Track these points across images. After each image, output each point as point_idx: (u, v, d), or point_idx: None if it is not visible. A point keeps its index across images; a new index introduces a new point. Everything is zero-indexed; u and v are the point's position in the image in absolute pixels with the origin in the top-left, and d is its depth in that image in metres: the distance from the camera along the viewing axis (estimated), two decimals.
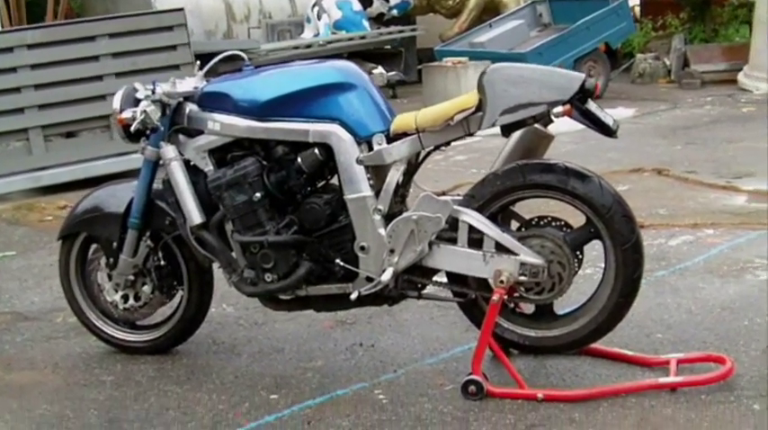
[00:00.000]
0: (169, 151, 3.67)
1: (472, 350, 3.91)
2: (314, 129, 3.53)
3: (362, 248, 3.56)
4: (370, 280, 3.58)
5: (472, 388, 3.46)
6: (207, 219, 3.67)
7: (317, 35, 11.85)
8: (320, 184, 3.69)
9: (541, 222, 3.60)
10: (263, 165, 3.60)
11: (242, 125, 3.58)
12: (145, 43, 7.70)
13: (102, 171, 7.36)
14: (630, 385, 3.49)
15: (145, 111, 3.56)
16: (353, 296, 3.56)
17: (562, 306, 3.74)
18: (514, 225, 3.66)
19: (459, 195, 3.66)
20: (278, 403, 3.53)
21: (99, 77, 7.60)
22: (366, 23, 12.26)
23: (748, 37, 13.20)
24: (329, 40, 9.29)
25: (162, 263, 3.89)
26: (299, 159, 3.56)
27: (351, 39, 9.41)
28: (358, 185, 3.53)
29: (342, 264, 3.58)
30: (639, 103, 10.96)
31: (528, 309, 3.69)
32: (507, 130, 3.51)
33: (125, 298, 3.94)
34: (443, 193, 3.67)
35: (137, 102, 3.72)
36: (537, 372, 3.64)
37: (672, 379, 3.49)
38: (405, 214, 3.52)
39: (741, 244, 5.20)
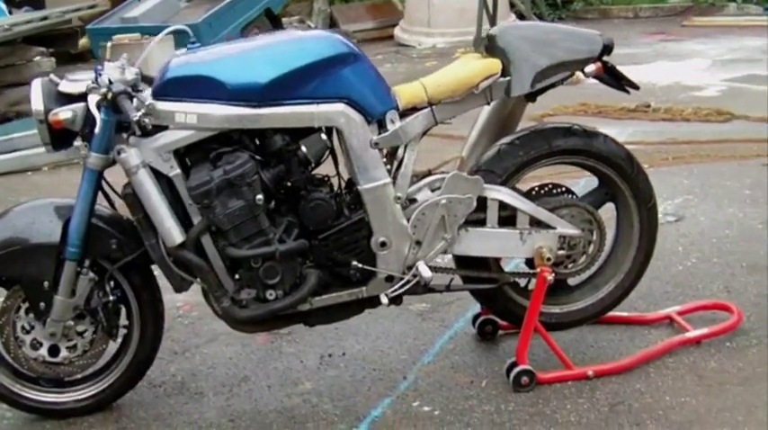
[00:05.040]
0: (133, 156, 2.88)
1: (456, 341, 3.61)
2: (319, 111, 2.95)
3: (383, 244, 3.06)
4: (389, 279, 3.10)
5: (524, 379, 3.15)
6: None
7: None
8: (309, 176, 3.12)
9: (542, 191, 3.35)
10: (257, 160, 2.96)
11: (231, 114, 2.88)
12: None
13: None
14: (663, 346, 3.38)
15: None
16: (384, 300, 3.06)
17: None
18: None
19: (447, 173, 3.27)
20: None
21: None
22: (3, 6, 10.95)
23: None
24: (13, 23, 8.11)
25: (110, 298, 3.08)
26: (304, 148, 2.97)
27: (30, 21, 8.29)
28: (375, 173, 3.02)
29: (359, 265, 3.06)
30: None
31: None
32: (533, 96, 3.19)
33: (54, 350, 3.09)
34: (429, 172, 3.25)
35: (63, 97, 2.91)
36: (549, 351, 3.37)
37: (697, 333, 3.43)
38: (431, 199, 3.08)
39: None
